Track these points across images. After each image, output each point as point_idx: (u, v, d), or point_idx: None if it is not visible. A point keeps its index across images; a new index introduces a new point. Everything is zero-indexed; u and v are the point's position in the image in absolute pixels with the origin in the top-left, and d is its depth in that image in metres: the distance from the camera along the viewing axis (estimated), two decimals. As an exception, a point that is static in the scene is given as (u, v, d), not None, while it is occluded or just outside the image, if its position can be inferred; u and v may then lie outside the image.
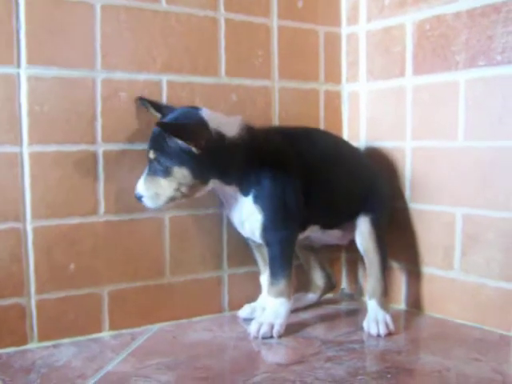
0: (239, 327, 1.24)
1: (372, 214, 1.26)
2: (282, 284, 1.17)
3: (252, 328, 1.16)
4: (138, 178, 1.13)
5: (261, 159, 1.15)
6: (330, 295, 1.43)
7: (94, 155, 1.17)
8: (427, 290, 1.33)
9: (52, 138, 1.12)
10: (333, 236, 1.31)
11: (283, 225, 1.17)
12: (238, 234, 1.26)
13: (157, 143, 1.10)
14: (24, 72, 1.09)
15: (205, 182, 1.13)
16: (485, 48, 1.18)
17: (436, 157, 1.29)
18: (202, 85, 1.28)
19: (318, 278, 1.38)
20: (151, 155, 1.11)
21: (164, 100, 1.23)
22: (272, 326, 1.16)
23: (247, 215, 1.18)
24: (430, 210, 1.31)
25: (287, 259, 1.17)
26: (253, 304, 1.30)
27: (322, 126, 1.45)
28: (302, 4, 1.40)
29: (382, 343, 1.14)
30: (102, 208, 1.18)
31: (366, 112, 1.44)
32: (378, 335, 1.17)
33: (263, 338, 1.15)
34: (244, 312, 1.29)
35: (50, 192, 1.13)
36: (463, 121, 1.24)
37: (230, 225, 1.29)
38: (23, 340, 1.11)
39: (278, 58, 1.38)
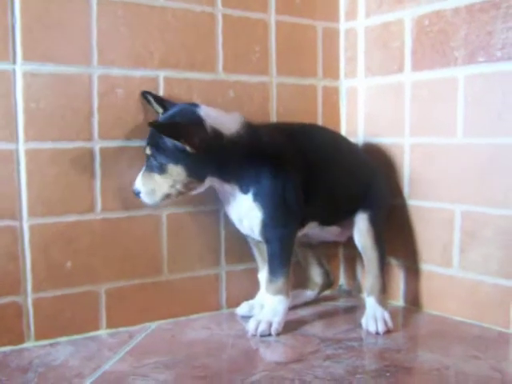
0: (237, 325, 1.23)
1: (370, 211, 1.26)
2: (280, 281, 1.16)
3: (250, 326, 1.16)
4: (135, 175, 1.13)
5: (260, 156, 1.14)
6: (327, 292, 1.43)
7: (91, 152, 1.16)
8: (425, 287, 1.33)
9: (48, 134, 1.11)
10: (331, 233, 1.30)
11: (283, 222, 1.16)
12: (236, 231, 1.26)
13: (153, 140, 1.10)
14: (19, 68, 1.08)
15: (201, 179, 1.12)
16: (484, 44, 1.18)
17: (435, 153, 1.29)
18: (199, 81, 1.27)
19: (316, 275, 1.38)
20: (148, 151, 1.11)
21: (161, 96, 1.22)
22: (270, 324, 1.15)
23: (246, 212, 1.17)
24: (429, 207, 1.30)
25: (286, 257, 1.17)
26: (251, 301, 1.29)
27: (320, 122, 1.44)
28: (300, -1, 1.40)
29: (381, 341, 1.14)
30: (98, 205, 1.17)
31: (364, 108, 1.44)
32: (377, 333, 1.17)
33: (261, 335, 1.14)
34: (242, 309, 1.28)
35: (47, 189, 1.12)
36: (462, 117, 1.23)
37: (228, 221, 1.28)
38: (20, 339, 1.11)
39: (275, 54, 1.37)
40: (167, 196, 1.11)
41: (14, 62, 1.08)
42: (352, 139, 1.40)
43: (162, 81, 1.23)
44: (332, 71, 1.47)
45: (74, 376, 0.97)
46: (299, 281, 1.35)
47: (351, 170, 1.27)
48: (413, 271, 1.34)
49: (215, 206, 1.30)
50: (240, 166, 1.14)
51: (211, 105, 1.18)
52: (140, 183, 1.11)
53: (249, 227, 1.19)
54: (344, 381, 0.94)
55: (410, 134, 1.33)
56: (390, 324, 1.19)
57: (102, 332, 1.18)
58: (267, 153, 1.15)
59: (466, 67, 1.21)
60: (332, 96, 1.47)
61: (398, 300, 1.38)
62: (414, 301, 1.35)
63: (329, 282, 1.39)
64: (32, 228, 1.10)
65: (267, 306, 1.18)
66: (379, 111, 1.40)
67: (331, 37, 1.46)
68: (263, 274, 1.27)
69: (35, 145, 1.10)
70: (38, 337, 1.12)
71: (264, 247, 1.21)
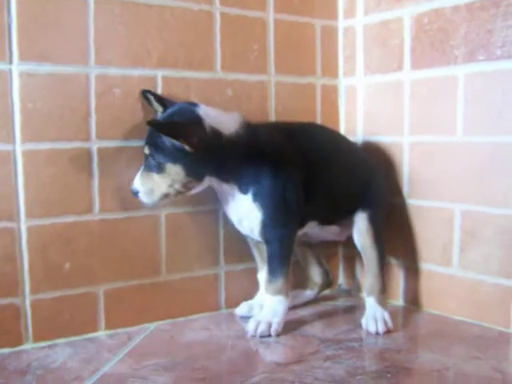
0: (237, 325, 1.23)
1: (369, 211, 1.25)
2: (280, 282, 1.16)
3: (250, 327, 1.15)
4: (134, 175, 1.12)
5: (260, 156, 1.13)
6: (327, 291, 1.42)
7: (89, 152, 1.15)
8: (425, 287, 1.32)
9: (45, 135, 1.11)
10: (330, 232, 1.30)
11: (283, 222, 1.16)
12: (235, 231, 1.25)
13: (152, 139, 1.09)
14: (16, 68, 1.07)
15: (199, 179, 1.11)
16: (484, 42, 1.17)
17: (434, 152, 1.28)
18: (198, 80, 1.26)
19: (316, 275, 1.37)
20: (146, 151, 1.10)
21: (159, 96, 1.21)
22: (270, 325, 1.15)
23: (246, 213, 1.16)
24: (428, 206, 1.30)
25: (286, 257, 1.16)
26: (250, 302, 1.29)
27: (318, 121, 1.44)
28: (299, -3, 1.39)
29: (381, 341, 1.13)
30: (97, 206, 1.16)
31: (363, 106, 1.43)
32: (377, 333, 1.16)
33: (261, 336, 1.14)
34: (241, 310, 1.28)
35: (44, 190, 1.11)
36: (462, 116, 1.22)
37: (227, 221, 1.27)
38: (18, 341, 1.10)
39: (274, 52, 1.36)
40: (166, 196, 1.10)
41: (11, 61, 1.07)
42: (351, 138, 1.39)
43: (160, 80, 1.22)
44: (331, 69, 1.46)
45: (73, 379, 0.96)
46: (298, 280, 1.35)
47: (350, 168, 1.27)
48: (412, 270, 1.34)
49: (214, 205, 1.29)
50: (239, 165, 1.13)
51: (209, 104, 1.17)
52: (138, 183, 1.11)
53: (248, 228, 1.18)
54: (344, 382, 0.94)
55: (410, 133, 1.32)
56: (390, 324, 1.18)
57: (101, 333, 1.17)
58: (267, 152, 1.14)
59: (466, 65, 1.20)
60: (331, 94, 1.46)
61: (398, 299, 1.37)
62: (413, 300, 1.34)
63: (328, 281, 1.39)
64: (30, 229, 1.10)
65: (267, 306, 1.18)
66: (378, 110, 1.39)
67: (330, 35, 1.45)
68: (262, 274, 1.26)
69: (32, 145, 1.09)
70: (36, 338, 1.11)
71: (263, 247, 1.21)
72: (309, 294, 1.37)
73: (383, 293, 1.25)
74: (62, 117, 1.12)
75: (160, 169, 1.08)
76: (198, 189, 1.14)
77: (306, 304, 1.36)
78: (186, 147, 1.06)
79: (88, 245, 1.16)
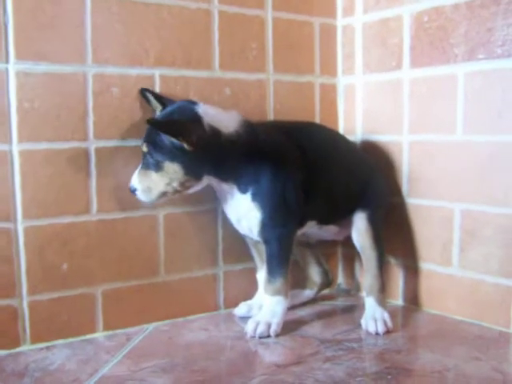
0: (235, 326, 1.22)
1: (369, 210, 1.24)
2: (279, 282, 1.15)
3: (249, 327, 1.15)
4: (131, 175, 1.11)
5: (259, 155, 1.12)
6: (326, 291, 1.41)
7: (86, 152, 1.14)
8: (425, 286, 1.32)
9: (42, 135, 1.10)
10: (329, 232, 1.29)
11: (282, 222, 1.15)
12: (234, 231, 1.24)
13: (150, 137, 1.08)
14: (12, 67, 1.06)
15: (198, 178, 1.11)
16: (484, 40, 1.16)
17: (434, 151, 1.27)
18: (196, 78, 1.25)
19: (315, 275, 1.36)
20: (144, 148, 1.09)
21: (157, 95, 1.20)
22: (269, 325, 1.14)
23: (245, 212, 1.16)
24: (428, 205, 1.29)
25: (285, 257, 1.15)
26: (249, 302, 1.28)
27: (317, 120, 1.43)
28: (297, -5, 1.38)
29: (381, 342, 1.13)
30: (94, 206, 1.15)
31: (362, 105, 1.42)
32: (377, 333, 1.16)
33: (260, 337, 1.13)
34: (240, 310, 1.27)
35: (41, 191, 1.10)
36: (462, 115, 1.22)
37: (226, 221, 1.27)
38: (15, 342, 1.09)
39: (272, 51, 1.35)
40: (163, 194, 1.10)
41: (7, 61, 1.06)
42: (350, 137, 1.38)
43: (158, 79, 1.21)
44: (329, 68, 1.45)
45: (72, 381, 0.95)
46: (297, 280, 1.34)
47: (350, 168, 1.26)
48: (412, 270, 1.33)
49: (212, 205, 1.29)
50: (238, 165, 1.12)
51: (207, 103, 1.16)
52: (136, 180, 1.10)
53: (247, 227, 1.18)
54: (345, 384, 0.94)
55: (409, 132, 1.32)
56: (389, 324, 1.18)
57: (99, 334, 1.17)
58: (266, 152, 1.13)
59: (466, 64, 1.20)
60: (329, 93, 1.45)
61: (397, 299, 1.37)
62: (413, 300, 1.34)
63: (327, 281, 1.38)
64: (27, 230, 1.09)
65: (266, 306, 1.17)
66: (377, 108, 1.39)
67: (328, 33, 1.44)
68: (261, 274, 1.26)
69: (29, 145, 1.08)
70: (34, 340, 1.10)
71: (262, 247, 1.20)
72: (308, 293, 1.36)
73: (382, 292, 1.24)
74: (59, 116, 1.11)
75: (158, 167, 1.08)
76: (197, 188, 1.13)
77: (305, 304, 1.35)
78: (185, 146, 1.05)
79: (86, 245, 1.15)
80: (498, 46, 1.14)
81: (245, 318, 1.22)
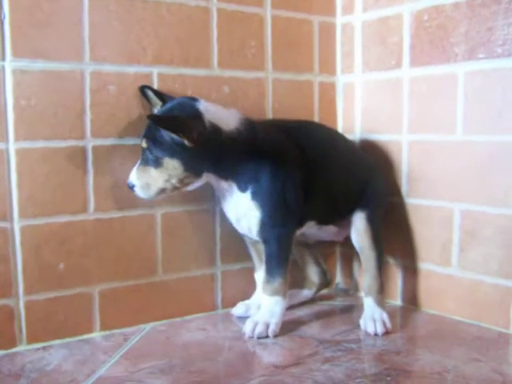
0: (233, 326, 1.21)
1: (368, 210, 1.24)
2: (277, 282, 1.14)
3: (247, 328, 1.14)
4: (129, 173, 1.10)
5: (259, 154, 1.12)
6: (324, 291, 1.41)
7: (83, 151, 1.13)
8: (424, 286, 1.31)
9: (39, 133, 1.08)
10: (328, 232, 1.28)
11: (281, 222, 1.14)
12: (232, 230, 1.24)
13: (150, 133, 1.07)
14: (9, 65, 1.05)
15: (197, 175, 1.10)
16: (485, 40, 1.16)
17: (433, 151, 1.27)
18: (194, 77, 1.24)
19: (313, 275, 1.36)
20: (144, 144, 1.08)
21: (155, 93, 1.19)
22: (267, 326, 1.13)
23: (244, 211, 1.15)
24: (427, 205, 1.28)
25: (284, 257, 1.15)
26: (247, 302, 1.27)
27: (316, 119, 1.42)
28: (296, -7, 1.37)
29: (380, 342, 1.12)
30: (91, 205, 1.14)
31: (361, 104, 1.41)
32: (375, 334, 1.15)
33: (258, 337, 1.12)
34: (238, 310, 1.26)
35: (38, 189, 1.09)
36: (462, 114, 1.21)
37: (223, 220, 1.26)
38: (12, 343, 1.08)
39: (271, 49, 1.34)
40: (162, 190, 1.09)
41: (3, 58, 1.05)
42: (349, 136, 1.38)
43: (156, 77, 1.20)
44: (328, 66, 1.44)
45: (68, 382, 0.94)
46: (296, 280, 1.33)
47: (349, 167, 1.25)
48: (411, 270, 1.33)
49: (210, 204, 1.28)
50: (238, 162, 1.11)
51: (206, 101, 1.15)
52: (134, 176, 1.09)
53: (247, 227, 1.17)
54: (344, 385, 0.93)
55: (409, 131, 1.31)
56: (388, 325, 1.17)
57: (96, 334, 1.16)
58: (266, 150, 1.12)
59: (466, 63, 1.19)
60: (328, 92, 1.45)
61: (396, 299, 1.36)
62: (411, 300, 1.33)
63: (326, 281, 1.37)
64: (23, 229, 1.08)
65: (264, 307, 1.16)
66: (377, 107, 1.38)
67: (328, 31, 1.43)
68: (260, 274, 1.25)
69: (26, 144, 1.07)
70: (31, 340, 1.09)
71: (261, 246, 1.19)
72: (306, 293, 1.36)
73: (381, 293, 1.23)
74: (56, 114, 1.10)
75: (157, 163, 1.07)
76: (196, 185, 1.12)
77: (304, 303, 1.34)
78: (186, 142, 1.04)
79: (83, 245, 1.14)
80: (499, 46, 1.14)
81: (243, 318, 1.22)
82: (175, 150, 1.06)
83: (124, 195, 1.14)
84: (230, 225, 1.22)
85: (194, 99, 1.11)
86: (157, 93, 1.15)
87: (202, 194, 1.24)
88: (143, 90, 1.16)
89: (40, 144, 1.09)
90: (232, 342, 1.12)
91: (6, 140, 1.06)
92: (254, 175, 1.12)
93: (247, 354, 1.07)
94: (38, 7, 1.07)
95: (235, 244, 1.30)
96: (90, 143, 1.13)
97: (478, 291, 1.20)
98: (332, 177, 1.21)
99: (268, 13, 1.33)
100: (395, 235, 1.33)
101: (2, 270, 1.07)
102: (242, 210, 1.15)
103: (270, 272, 1.15)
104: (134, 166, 1.10)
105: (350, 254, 1.43)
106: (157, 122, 1.05)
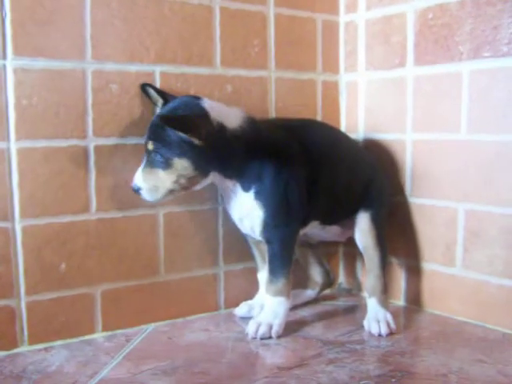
0: (236, 326, 1.20)
1: (372, 210, 1.23)
2: (281, 283, 1.14)
3: (250, 328, 1.13)
4: (132, 173, 1.09)
5: (263, 153, 1.11)
6: (327, 291, 1.40)
7: (85, 150, 1.12)
8: (427, 287, 1.30)
9: (41, 132, 1.08)
10: (332, 232, 1.28)
11: (285, 222, 1.13)
12: (235, 230, 1.23)
13: (156, 134, 1.06)
14: (10, 64, 1.04)
15: (205, 174, 1.09)
16: (490, 38, 1.15)
17: (437, 150, 1.26)
18: (196, 75, 1.23)
19: (316, 275, 1.35)
20: (150, 146, 1.06)
21: (157, 92, 1.18)
22: (270, 327, 1.13)
23: (247, 211, 1.14)
24: (431, 205, 1.28)
25: (287, 257, 1.14)
26: (250, 302, 1.27)
27: (319, 117, 1.41)
28: (300, -9, 1.36)
29: (384, 343, 1.11)
30: (93, 205, 1.13)
31: (364, 103, 1.40)
32: (379, 335, 1.14)
33: (262, 338, 1.12)
34: (241, 310, 1.26)
35: (40, 189, 1.08)
36: (466, 113, 1.20)
37: (226, 220, 1.25)
38: (13, 343, 1.07)
39: (274, 48, 1.33)
40: (170, 192, 1.07)
41: (5, 57, 1.04)
42: (352, 135, 1.37)
43: (158, 76, 1.19)
44: (332, 65, 1.43)
45: (70, 384, 0.94)
46: (299, 280, 1.32)
47: (352, 167, 1.24)
48: (414, 270, 1.32)
49: (213, 204, 1.27)
50: (242, 161, 1.10)
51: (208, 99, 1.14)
52: (140, 179, 1.07)
53: (249, 227, 1.16)
54: (348, 387, 0.92)
55: (413, 130, 1.30)
56: (392, 326, 1.16)
57: (98, 335, 1.15)
58: (270, 149, 1.11)
59: (471, 62, 1.18)
60: (332, 90, 1.44)
61: (399, 299, 1.35)
62: (415, 300, 1.32)
63: (329, 281, 1.37)
64: (25, 229, 1.07)
65: (267, 307, 1.15)
66: (380, 106, 1.37)
67: (331, 30, 1.42)
68: (263, 274, 1.24)
69: (27, 143, 1.06)
70: (32, 341, 1.09)
71: (264, 247, 1.18)
72: (309, 293, 1.35)
73: (385, 293, 1.23)
74: (58, 113, 1.09)
75: (166, 164, 1.05)
76: (202, 184, 1.11)
77: (307, 304, 1.34)
78: (195, 141, 1.03)
79: (85, 245, 1.13)
80: (504, 44, 1.13)
81: (245, 318, 1.21)
82: (184, 150, 1.04)
83: (126, 195, 1.13)
84: (233, 225, 1.21)
85: (197, 98, 1.10)
86: (158, 91, 1.14)
87: (205, 194, 1.23)
88: (144, 87, 1.15)
89: (41, 143, 1.08)
90: (235, 343, 1.11)
91: (8, 139, 1.05)
92: (257, 175, 1.11)
93: (250, 355, 1.06)
94: (39, 5, 1.06)
95: (238, 244, 1.29)
96: (92, 143, 1.13)
97: (483, 292, 1.20)
98: (335, 176, 1.20)
99: (271, 11, 1.32)
100: (399, 235, 1.32)
101: (4, 270, 1.06)
102: (246, 209, 1.14)
103: (274, 272, 1.14)
104: (136, 165, 1.09)
105: (353, 253, 1.43)
106: (168, 122, 1.04)
